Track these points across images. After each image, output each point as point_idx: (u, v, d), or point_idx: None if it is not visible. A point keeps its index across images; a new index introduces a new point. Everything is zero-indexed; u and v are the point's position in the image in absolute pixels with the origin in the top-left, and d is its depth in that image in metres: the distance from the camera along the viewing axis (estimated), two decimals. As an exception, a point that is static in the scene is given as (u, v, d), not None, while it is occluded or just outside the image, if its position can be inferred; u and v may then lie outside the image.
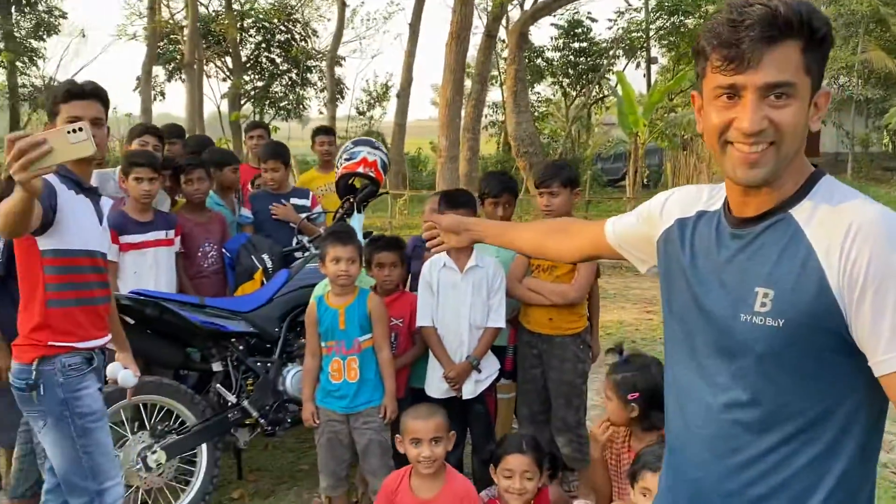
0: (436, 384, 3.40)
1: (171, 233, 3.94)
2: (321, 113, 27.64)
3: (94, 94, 2.65)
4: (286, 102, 25.51)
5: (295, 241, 4.43)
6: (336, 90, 21.69)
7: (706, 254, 1.40)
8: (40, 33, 27.58)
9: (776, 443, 1.30)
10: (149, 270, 3.83)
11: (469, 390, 3.38)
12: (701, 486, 1.41)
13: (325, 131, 5.85)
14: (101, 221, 2.75)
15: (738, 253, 1.34)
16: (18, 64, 26.84)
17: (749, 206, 1.34)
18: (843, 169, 25.98)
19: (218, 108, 26.01)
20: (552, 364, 3.38)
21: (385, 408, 3.21)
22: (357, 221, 4.16)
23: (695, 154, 17.95)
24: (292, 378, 3.79)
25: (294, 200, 4.62)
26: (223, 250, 4.28)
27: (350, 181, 4.22)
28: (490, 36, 13.47)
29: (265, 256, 4.25)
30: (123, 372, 2.87)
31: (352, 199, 4.17)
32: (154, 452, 3.38)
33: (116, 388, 2.96)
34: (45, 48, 27.58)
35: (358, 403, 3.19)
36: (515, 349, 3.65)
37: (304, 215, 4.51)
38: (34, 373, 2.53)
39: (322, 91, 26.11)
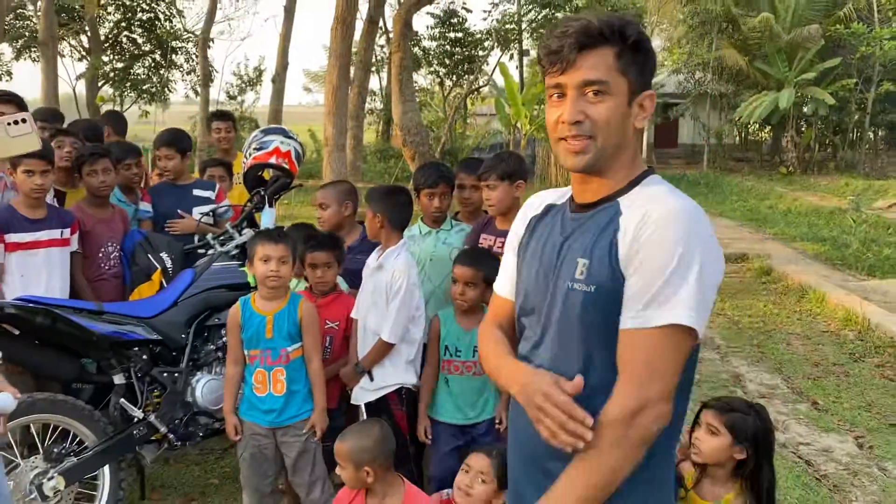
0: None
1: (67, 231, 3.53)
2: (187, 97, 26.26)
3: None
4: (149, 85, 23.99)
5: (197, 237, 4.10)
6: (205, 72, 20.61)
7: (549, 235, 1.62)
8: None
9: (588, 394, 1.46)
10: (38, 273, 3.42)
11: (356, 396, 3.17)
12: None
13: (222, 116, 5.44)
14: None
15: (573, 232, 1.57)
16: None
17: (587, 194, 1.58)
18: (699, 160, 27.62)
19: (73, 89, 24.11)
20: None
21: (314, 424, 2.98)
22: (268, 216, 3.90)
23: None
24: (202, 388, 3.52)
25: (196, 192, 4.24)
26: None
27: (259, 172, 3.94)
28: (373, 22, 13.21)
29: (164, 255, 3.91)
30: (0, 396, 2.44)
31: (262, 192, 3.90)
32: (51, 479, 3.02)
33: None
34: None
35: (285, 418, 2.95)
36: None
37: (208, 208, 4.16)
38: None
39: (189, 74, 24.80)
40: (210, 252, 3.83)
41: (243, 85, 25.44)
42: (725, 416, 2.36)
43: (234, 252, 3.79)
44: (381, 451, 2.46)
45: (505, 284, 1.76)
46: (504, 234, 3.27)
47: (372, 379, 3.10)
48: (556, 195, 1.72)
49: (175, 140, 4.35)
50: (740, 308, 7.67)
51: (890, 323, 6.59)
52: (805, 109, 23.26)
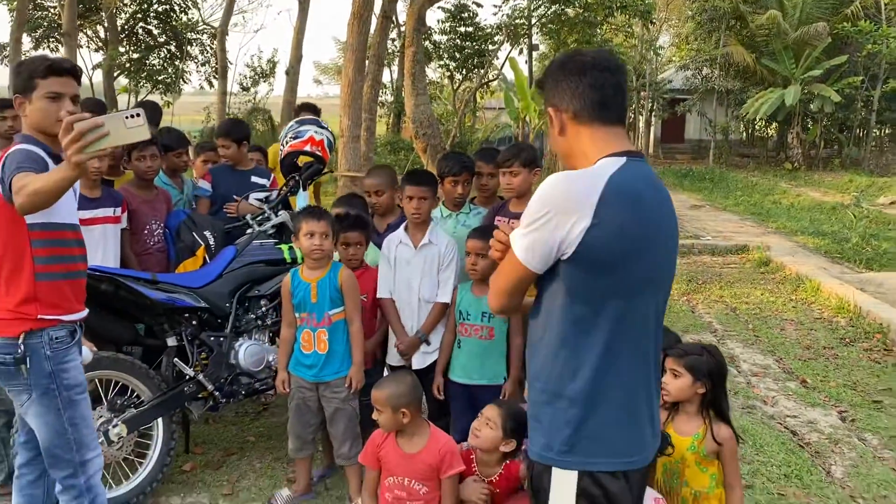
0: (394, 352, 3.61)
1: (118, 210, 3.93)
2: (202, 88, 26.67)
3: (73, 71, 2.66)
4: (164, 76, 24.40)
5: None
6: (223, 64, 20.99)
7: None
8: None
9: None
10: (95, 247, 3.79)
11: (417, 362, 3.59)
12: None
13: (313, 109, 5.84)
14: (75, 194, 2.78)
15: None
16: None
17: None
18: (705, 155, 27.89)
19: (90, 79, 24.55)
20: None
21: (351, 378, 3.37)
22: (302, 199, 4.27)
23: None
24: (244, 352, 3.89)
25: (254, 178, 4.70)
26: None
27: (295, 159, 4.32)
28: (386, 17, 13.51)
29: (207, 233, 4.29)
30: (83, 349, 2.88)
31: (297, 177, 4.28)
32: (115, 426, 3.41)
33: None
34: None
35: (326, 374, 3.35)
36: None
37: (263, 194, 4.54)
38: (22, 346, 2.54)
39: (203, 65, 25.19)
40: (249, 231, 4.21)
41: (256, 77, 25.83)
42: (684, 360, 2.79)
43: (270, 231, 4.17)
44: (413, 396, 2.85)
45: None
46: (517, 216, 3.65)
47: (429, 343, 3.55)
48: None
49: (231, 131, 4.77)
50: (738, 295, 8.03)
51: (880, 310, 6.93)
52: (811, 106, 23.50)
